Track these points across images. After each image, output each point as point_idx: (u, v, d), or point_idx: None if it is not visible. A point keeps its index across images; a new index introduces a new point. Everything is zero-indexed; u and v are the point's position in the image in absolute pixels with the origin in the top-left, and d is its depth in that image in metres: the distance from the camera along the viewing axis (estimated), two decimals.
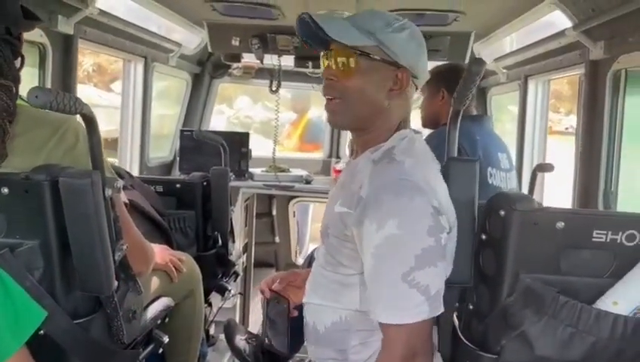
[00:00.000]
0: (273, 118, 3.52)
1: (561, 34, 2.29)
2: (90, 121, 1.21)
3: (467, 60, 3.20)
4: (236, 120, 7.02)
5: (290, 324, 1.39)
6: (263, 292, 1.44)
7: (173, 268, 1.87)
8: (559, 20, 2.30)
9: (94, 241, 1.24)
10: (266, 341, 1.44)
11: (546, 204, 1.17)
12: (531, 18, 2.46)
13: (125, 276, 1.40)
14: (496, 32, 2.86)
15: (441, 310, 1.10)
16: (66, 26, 2.15)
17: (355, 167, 1.25)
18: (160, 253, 1.82)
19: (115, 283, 1.34)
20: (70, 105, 1.10)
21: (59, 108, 1.06)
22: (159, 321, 1.75)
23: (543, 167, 2.34)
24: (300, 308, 1.43)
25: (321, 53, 1.25)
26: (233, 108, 7.56)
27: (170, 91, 3.92)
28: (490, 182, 2.07)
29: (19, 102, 1.23)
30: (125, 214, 1.46)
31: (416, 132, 1.28)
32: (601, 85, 2.08)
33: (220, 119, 5.96)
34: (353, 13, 1.27)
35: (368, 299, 1.14)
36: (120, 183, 1.28)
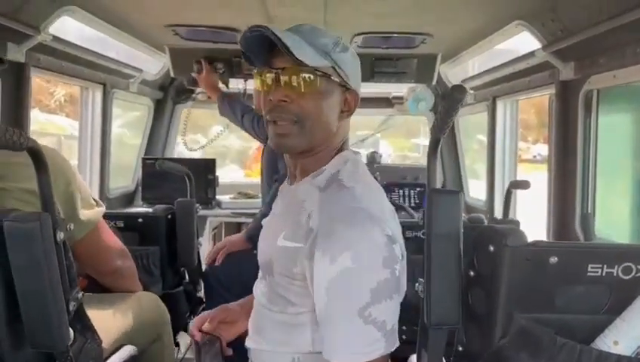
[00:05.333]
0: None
1: (530, 55, 2.27)
2: (38, 158, 1.10)
3: (434, 82, 3.19)
4: (212, 149, 6.90)
5: None
6: (192, 336, 1.34)
7: None
8: (527, 41, 2.28)
9: (45, 291, 1.12)
10: None
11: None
12: (499, 39, 2.46)
13: (82, 327, 1.28)
14: (463, 53, 2.85)
15: (397, 344, 1.03)
16: (16, 54, 2.03)
17: (295, 195, 1.18)
18: None
19: (71, 335, 1.21)
20: (14, 141, 0.99)
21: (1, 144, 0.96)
22: None
23: (518, 184, 2.27)
24: (235, 344, 1.35)
25: (260, 71, 1.14)
26: (208, 137, 7.42)
27: (133, 116, 3.78)
28: None
29: None
30: (116, 240, 1.67)
31: (356, 152, 1.23)
32: (572, 105, 2.07)
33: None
34: (294, 26, 1.16)
35: (321, 338, 1.05)
36: (71, 226, 1.16)
